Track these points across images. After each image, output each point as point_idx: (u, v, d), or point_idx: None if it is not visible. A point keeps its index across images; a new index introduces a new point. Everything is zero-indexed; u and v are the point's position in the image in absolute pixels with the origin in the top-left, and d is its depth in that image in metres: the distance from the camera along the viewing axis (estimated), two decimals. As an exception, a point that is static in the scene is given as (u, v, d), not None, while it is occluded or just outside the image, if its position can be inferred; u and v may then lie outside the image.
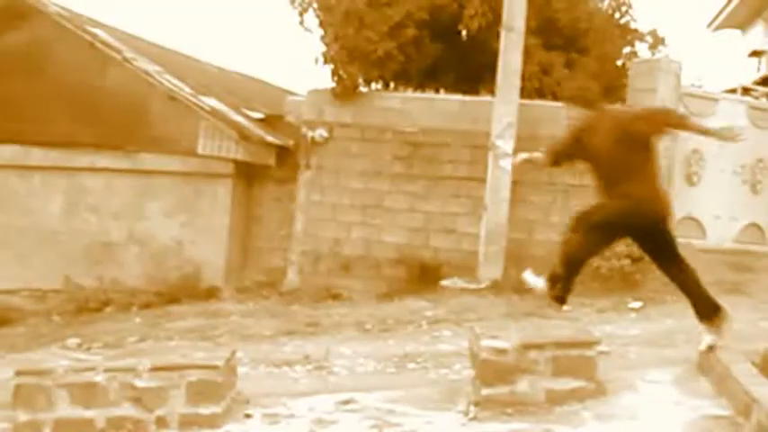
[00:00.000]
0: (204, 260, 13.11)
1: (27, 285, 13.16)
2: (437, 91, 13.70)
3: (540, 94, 13.58)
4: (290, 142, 13.44)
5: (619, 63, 15.27)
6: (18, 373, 5.77)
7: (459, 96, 13.26)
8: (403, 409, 6.06)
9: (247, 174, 13.45)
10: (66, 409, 5.60)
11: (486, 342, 5.86)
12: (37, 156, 13.33)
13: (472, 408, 5.93)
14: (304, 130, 13.39)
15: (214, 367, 5.69)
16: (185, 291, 12.65)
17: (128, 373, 5.61)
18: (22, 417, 5.69)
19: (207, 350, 9.21)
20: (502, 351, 5.82)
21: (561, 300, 6.42)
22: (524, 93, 12.79)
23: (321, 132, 13.28)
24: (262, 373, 7.95)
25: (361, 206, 13.22)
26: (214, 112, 13.24)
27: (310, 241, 13.27)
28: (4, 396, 6.54)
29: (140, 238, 13.33)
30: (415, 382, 7.18)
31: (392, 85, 14.13)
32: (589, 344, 6.00)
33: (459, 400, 6.16)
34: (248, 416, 5.93)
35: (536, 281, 6.52)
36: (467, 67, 14.30)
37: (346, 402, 6.30)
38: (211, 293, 12.72)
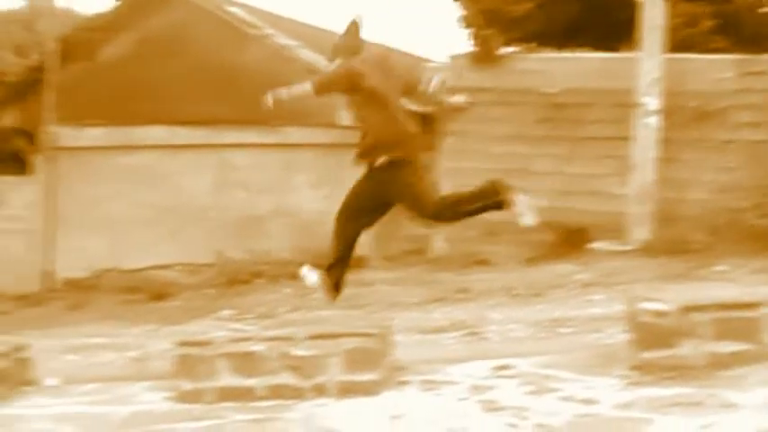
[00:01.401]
0: (349, 230, 13.21)
1: (180, 260, 13.59)
2: (577, 50, 13.38)
3: (686, 47, 13.09)
4: (431, 109, 13.37)
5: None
6: (180, 344, 5.92)
7: (600, 54, 12.90)
8: (560, 375, 5.94)
9: (389, 143, 13.46)
10: (227, 378, 5.72)
11: (645, 304, 5.67)
12: (184, 135, 13.71)
13: (631, 372, 5.76)
14: (444, 96, 13.29)
15: (370, 335, 5.71)
16: (332, 261, 12.79)
17: (285, 342, 5.68)
18: (185, 386, 5.84)
19: (358, 319, 9.31)
20: (662, 313, 5.62)
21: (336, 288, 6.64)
22: (669, 47, 12.33)
23: (462, 98, 13.16)
24: (414, 340, 7.96)
25: (503, 171, 13.01)
26: (353, 83, 13.28)
27: (454, 207, 13.20)
28: (162, 366, 6.77)
29: (287, 211, 13.57)
30: (569, 346, 7.04)
31: (531, 46, 13.88)
32: (754, 305, 5.73)
33: (616, 365, 5.99)
34: (405, 383, 5.93)
35: (311, 275, 6.71)
36: (607, 23, 13.92)
37: (502, 368, 6.22)
38: (358, 263, 12.81)
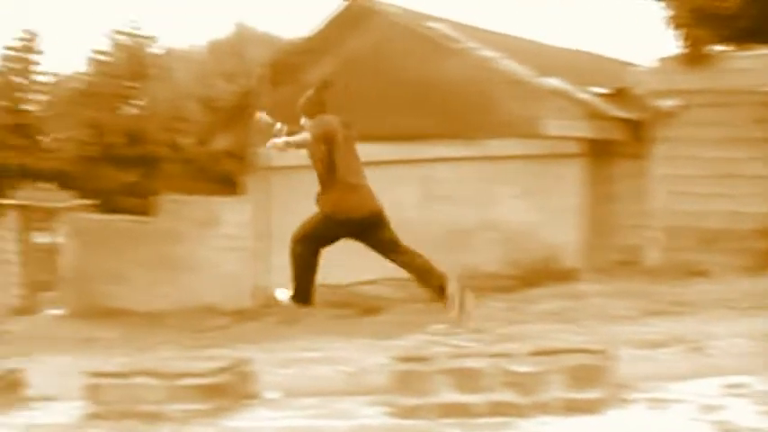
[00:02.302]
0: (558, 242, 12.98)
1: (388, 275, 13.68)
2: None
3: None
4: (639, 115, 12.96)
5: None
6: (400, 360, 5.91)
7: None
8: (797, 395, 5.54)
9: (596, 151, 13.14)
10: (447, 395, 5.66)
11: None
12: (389, 151, 13.86)
13: None
14: (653, 100, 12.85)
15: (595, 351, 5.52)
16: (541, 274, 12.60)
17: (506, 358, 5.57)
18: (405, 402, 5.82)
19: (571, 333, 9.06)
20: None
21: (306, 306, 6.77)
22: None
23: (671, 102, 12.68)
24: (632, 355, 7.64)
25: (718, 176, 12.49)
26: (557, 92, 13.07)
27: (667, 216, 12.72)
28: (378, 380, 6.79)
29: (492, 224, 13.46)
30: (802, 364, 6.57)
31: (744, 43, 13.19)
32: None
33: None
34: (630, 401, 5.69)
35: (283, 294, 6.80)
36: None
37: (733, 386, 5.86)
38: (568, 275, 12.56)
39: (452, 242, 13.57)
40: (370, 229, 7.02)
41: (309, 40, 14.89)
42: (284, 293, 7.05)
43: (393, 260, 7.15)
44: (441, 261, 13.15)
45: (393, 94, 13.85)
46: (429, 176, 13.79)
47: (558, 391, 5.50)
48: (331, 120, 6.83)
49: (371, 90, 14.00)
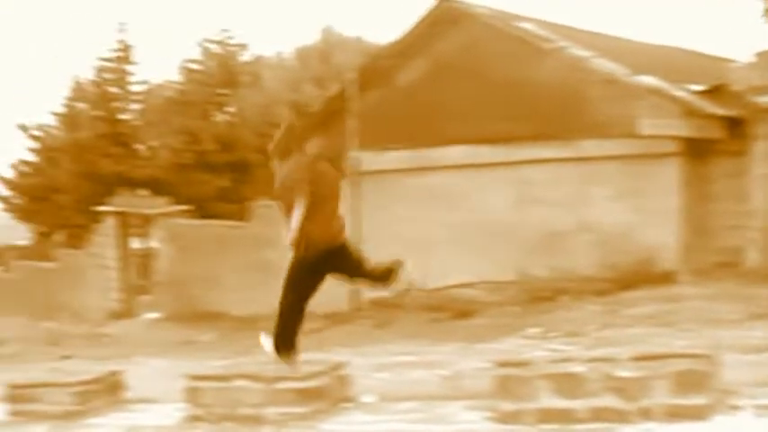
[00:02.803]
0: (655, 243, 12.69)
1: (483, 278, 13.63)
2: None
3: None
4: (738, 112, 12.60)
5: None
6: (499, 365, 5.84)
7: None
8: None
9: (695, 150, 12.82)
10: (548, 400, 5.57)
11: None
12: (482, 153, 13.77)
13: None
14: (752, 96, 12.48)
15: (700, 356, 5.36)
16: (638, 276, 12.33)
17: (608, 363, 5.45)
18: (506, 406, 5.74)
19: (670, 337, 8.86)
20: None
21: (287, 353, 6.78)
22: None
23: (773, 98, 12.32)
24: (737, 360, 7.42)
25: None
26: (653, 90, 12.79)
27: (768, 216, 12.34)
28: (475, 385, 6.72)
29: (587, 226, 13.24)
30: None
31: None
32: None
33: None
34: (737, 407, 5.51)
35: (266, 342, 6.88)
36: None
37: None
38: (666, 277, 12.27)
39: (547, 245, 13.41)
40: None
41: (399, 43, 14.88)
42: (267, 341, 7.07)
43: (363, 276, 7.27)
44: (536, 264, 13.13)
45: (485, 96, 13.74)
46: (523, 179, 13.65)
47: (661, 397, 5.36)
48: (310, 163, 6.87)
49: (463, 93, 13.93)
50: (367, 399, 7.14)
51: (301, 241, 6.72)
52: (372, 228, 14.27)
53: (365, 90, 14.73)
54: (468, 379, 8.19)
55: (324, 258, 6.86)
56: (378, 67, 14.95)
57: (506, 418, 5.72)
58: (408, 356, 10.11)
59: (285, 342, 6.98)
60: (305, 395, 6.53)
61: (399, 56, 14.73)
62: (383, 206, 14.27)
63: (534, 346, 9.57)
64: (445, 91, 14.10)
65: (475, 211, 13.85)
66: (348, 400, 6.98)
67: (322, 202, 6.74)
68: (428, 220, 14.01)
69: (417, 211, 14.07)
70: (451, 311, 12.72)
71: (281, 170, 6.96)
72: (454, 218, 13.92)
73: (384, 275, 7.19)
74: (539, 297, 12.63)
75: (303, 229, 6.64)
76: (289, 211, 6.73)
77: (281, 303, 7.14)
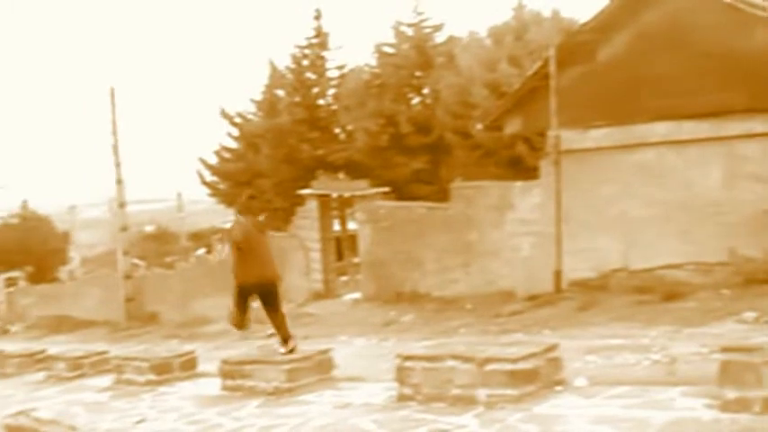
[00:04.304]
0: None
1: (691, 259, 13.07)
2: None
3: None
4: None
5: None
6: (723, 350, 5.55)
7: None
8: None
9: None
10: (778, 388, 5.25)
11: None
12: (689, 128, 13.19)
13: None
14: None
15: None
16: None
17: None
18: (730, 394, 5.47)
19: None
20: None
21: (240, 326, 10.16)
22: None
23: None
24: None
25: None
26: None
27: None
28: (690, 370, 6.43)
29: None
30: None
31: None
32: None
33: None
34: None
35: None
36: None
37: None
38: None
39: (761, 224, 12.65)
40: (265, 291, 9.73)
41: (600, 17, 14.42)
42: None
43: (270, 316, 9.80)
44: (749, 245, 12.45)
45: (692, 68, 13.12)
46: (734, 154, 12.94)
47: None
48: (242, 224, 9.73)
49: (668, 65, 13.36)
50: (579, 382, 6.98)
51: (235, 275, 9.74)
52: (575, 207, 13.98)
53: (565, 67, 14.39)
54: (683, 364, 7.89)
55: (248, 289, 9.70)
56: (578, 43, 14.55)
57: (730, 407, 5.44)
58: (616, 340, 9.86)
59: (238, 325, 10.10)
60: (517, 377, 6.44)
61: (600, 30, 14.27)
62: (585, 185, 13.92)
63: (751, 332, 9.11)
64: (649, 64, 13.56)
65: (682, 189, 13.26)
66: (560, 383, 6.85)
67: (247, 253, 9.59)
68: (632, 198, 13.56)
69: (620, 190, 13.63)
70: (658, 294, 12.27)
71: (233, 225, 9.96)
72: (660, 196, 13.38)
73: (283, 336, 9.51)
74: (752, 279, 11.99)
75: (234, 267, 9.73)
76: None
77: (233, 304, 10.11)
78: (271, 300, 9.73)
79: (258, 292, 9.70)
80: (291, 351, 9.10)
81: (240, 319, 9.94)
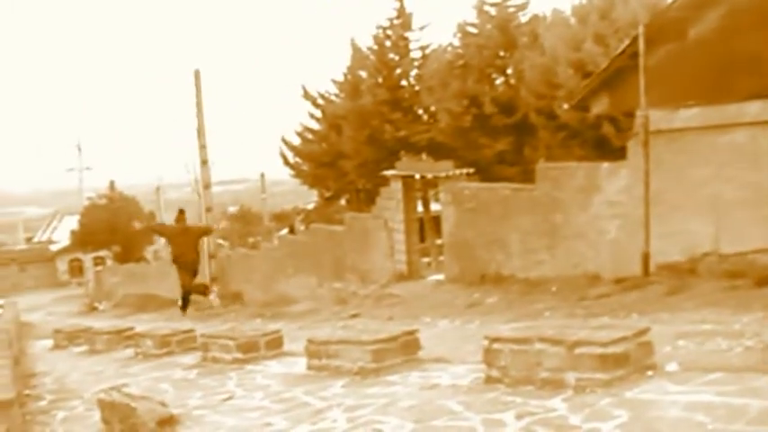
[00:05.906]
0: None
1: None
2: None
3: None
4: None
5: None
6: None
7: None
8: None
9: None
10: None
11: None
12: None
13: None
14: None
15: None
16: None
17: None
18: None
19: None
20: None
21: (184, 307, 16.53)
22: None
23: None
24: None
25: None
26: None
27: None
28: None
29: None
30: None
31: None
32: None
33: None
34: None
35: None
36: None
37: None
38: None
39: None
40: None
41: (690, -6, 14.07)
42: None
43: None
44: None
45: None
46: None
47: None
48: (168, 226, 16.74)
49: (762, 43, 12.95)
50: (671, 367, 6.84)
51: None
52: (663, 189, 13.68)
53: (653, 45, 14.07)
54: (780, 351, 7.67)
55: (176, 264, 15.71)
56: (667, 20, 14.21)
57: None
58: (707, 325, 9.61)
59: (183, 299, 16.10)
60: (607, 361, 6.34)
61: (691, 7, 13.92)
62: (674, 166, 13.59)
63: None
64: (741, 41, 13.15)
65: (777, 172, 12.89)
66: (651, 368, 6.71)
67: (173, 241, 15.77)
68: (723, 180, 13.18)
69: (711, 172, 13.26)
70: (750, 279, 11.92)
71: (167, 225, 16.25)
72: (753, 178, 12.98)
73: (198, 289, 16.15)
74: None
75: (171, 250, 15.87)
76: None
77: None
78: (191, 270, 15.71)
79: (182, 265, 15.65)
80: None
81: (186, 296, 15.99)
